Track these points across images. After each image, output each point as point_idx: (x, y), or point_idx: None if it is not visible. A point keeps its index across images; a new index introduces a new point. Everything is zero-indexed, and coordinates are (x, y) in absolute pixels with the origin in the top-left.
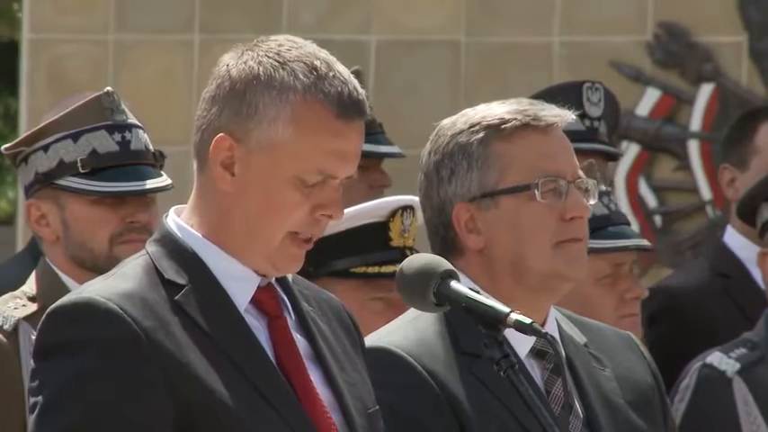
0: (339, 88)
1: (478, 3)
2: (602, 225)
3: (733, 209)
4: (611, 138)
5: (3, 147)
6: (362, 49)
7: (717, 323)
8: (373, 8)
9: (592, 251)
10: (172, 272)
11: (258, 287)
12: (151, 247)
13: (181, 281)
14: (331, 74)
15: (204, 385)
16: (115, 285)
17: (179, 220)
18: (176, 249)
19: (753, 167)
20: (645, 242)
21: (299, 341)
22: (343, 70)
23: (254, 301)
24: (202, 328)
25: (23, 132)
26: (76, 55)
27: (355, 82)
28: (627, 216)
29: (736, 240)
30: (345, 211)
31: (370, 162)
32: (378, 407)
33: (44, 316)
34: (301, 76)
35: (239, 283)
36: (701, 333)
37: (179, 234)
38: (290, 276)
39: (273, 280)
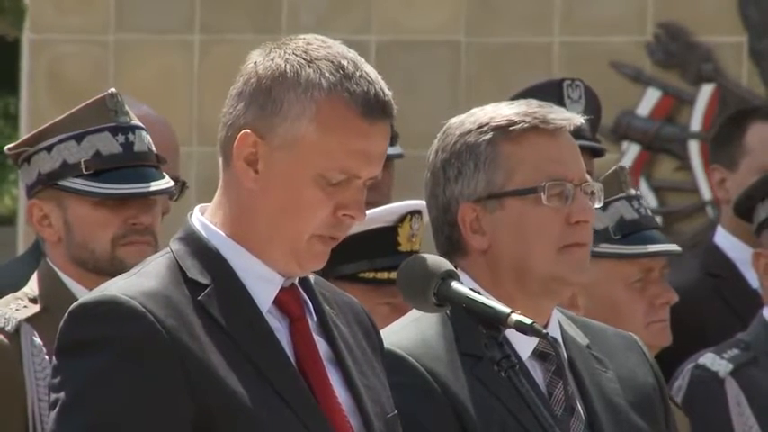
0: (365, 88)
1: (478, 3)
2: (633, 230)
3: (723, 209)
4: (595, 134)
5: (6, 147)
6: (362, 50)
7: (707, 323)
8: (373, 8)
9: (622, 256)
10: (195, 271)
11: (281, 288)
12: (175, 246)
13: (204, 280)
14: (357, 73)
15: (224, 386)
16: (139, 284)
17: (203, 218)
18: (200, 248)
19: (742, 168)
20: (675, 247)
21: (320, 343)
22: (370, 71)
23: (277, 302)
24: (224, 329)
25: (24, 133)
26: (77, 55)
27: (382, 83)
28: (657, 220)
29: (726, 240)
30: None
31: None
32: (396, 412)
33: (67, 313)
34: (327, 75)
35: (262, 283)
36: (692, 332)
37: (203, 233)
38: (311, 278)
39: (296, 281)
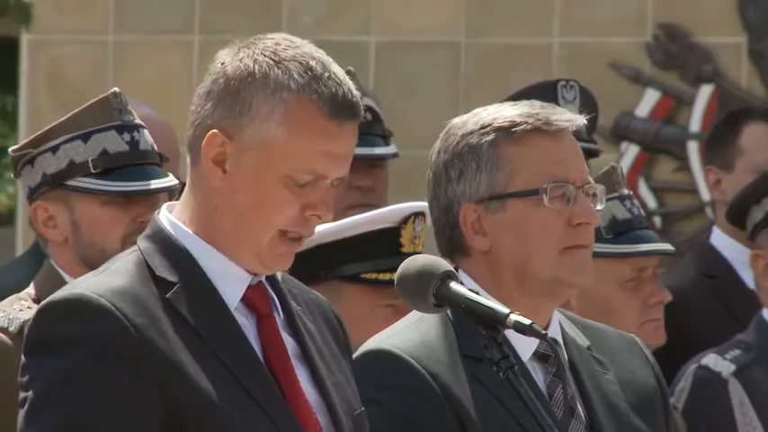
0: (333, 89)
1: (478, 3)
2: (626, 229)
3: (719, 210)
4: (591, 135)
5: (10, 149)
6: (362, 50)
7: (704, 323)
8: (373, 9)
9: (615, 256)
10: (163, 269)
11: (249, 285)
12: (143, 244)
13: (172, 278)
14: (326, 74)
15: (193, 384)
16: (107, 281)
17: (171, 216)
18: (168, 246)
19: (738, 169)
20: (668, 246)
21: (288, 340)
22: (338, 71)
23: (245, 300)
24: (192, 327)
25: (23, 133)
26: (76, 55)
27: (350, 83)
28: (651, 220)
29: (722, 241)
30: (358, 216)
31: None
32: (363, 409)
33: (35, 311)
34: (296, 76)
35: (230, 281)
36: (688, 333)
37: (171, 231)
38: (279, 275)
39: (264, 278)
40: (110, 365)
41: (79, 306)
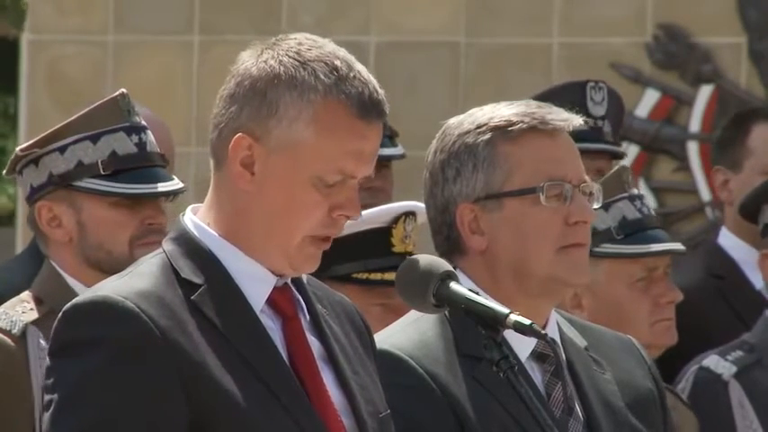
0: (360, 89)
1: (478, 4)
2: (636, 229)
3: (726, 210)
4: (617, 137)
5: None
6: (362, 50)
7: (710, 323)
8: (373, 9)
9: (625, 256)
10: (188, 271)
11: (274, 287)
12: (168, 246)
13: (197, 280)
14: (351, 74)
15: (218, 386)
16: (132, 284)
17: (196, 218)
18: (193, 248)
19: (746, 169)
20: (679, 246)
21: (313, 342)
22: (362, 69)
23: (270, 302)
24: (218, 328)
25: (23, 133)
26: (76, 55)
27: (375, 81)
28: (659, 219)
29: (730, 241)
30: None
31: None
32: (389, 411)
33: (60, 314)
34: (322, 77)
35: (256, 283)
36: (694, 333)
37: (196, 233)
38: (304, 277)
39: (289, 280)
40: (134, 367)
41: (103, 308)
